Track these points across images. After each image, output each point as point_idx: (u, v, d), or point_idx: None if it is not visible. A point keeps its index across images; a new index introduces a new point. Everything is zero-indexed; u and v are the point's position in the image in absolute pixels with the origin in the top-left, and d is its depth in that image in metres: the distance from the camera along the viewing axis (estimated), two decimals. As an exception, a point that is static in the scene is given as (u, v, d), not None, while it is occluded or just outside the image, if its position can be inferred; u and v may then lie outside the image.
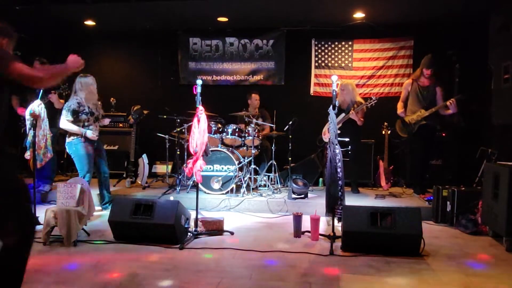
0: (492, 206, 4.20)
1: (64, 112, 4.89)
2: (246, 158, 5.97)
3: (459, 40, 6.46)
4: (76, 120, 4.91)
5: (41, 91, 4.65)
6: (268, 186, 6.10)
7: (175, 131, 6.25)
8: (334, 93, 4.26)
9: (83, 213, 4.00)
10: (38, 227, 4.15)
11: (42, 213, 4.06)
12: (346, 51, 7.19)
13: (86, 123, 4.96)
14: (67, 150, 5.04)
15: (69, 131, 4.94)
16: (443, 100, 5.56)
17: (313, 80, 7.32)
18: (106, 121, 5.39)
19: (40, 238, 3.93)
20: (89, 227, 4.32)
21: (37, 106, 4.48)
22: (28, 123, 4.48)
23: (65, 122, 4.87)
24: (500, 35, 5.78)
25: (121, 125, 7.19)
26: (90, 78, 5.00)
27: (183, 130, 6.21)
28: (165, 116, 6.26)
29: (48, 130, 4.66)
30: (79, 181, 4.27)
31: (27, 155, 4.58)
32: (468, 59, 6.18)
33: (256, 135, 5.91)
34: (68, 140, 4.97)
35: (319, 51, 7.28)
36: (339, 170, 4.17)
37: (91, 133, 4.94)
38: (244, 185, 5.71)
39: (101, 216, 4.97)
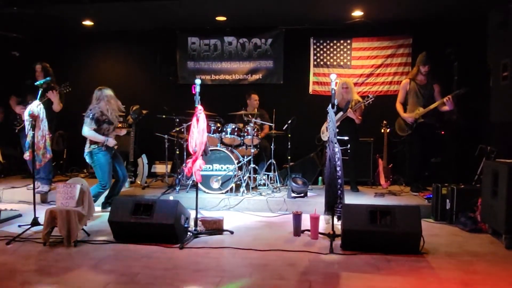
0: (491, 203, 4.21)
1: (88, 120, 4.91)
2: (245, 157, 5.98)
3: (457, 38, 6.45)
4: (98, 129, 4.94)
5: (40, 91, 4.63)
6: (268, 185, 6.10)
7: (174, 130, 6.25)
8: (333, 92, 4.27)
9: (83, 213, 4.01)
10: (38, 228, 4.18)
11: (42, 213, 4.06)
12: (345, 49, 7.19)
13: (106, 132, 5.01)
14: (87, 160, 5.06)
15: (90, 140, 4.96)
16: (440, 97, 5.58)
17: (311, 78, 7.32)
18: (123, 132, 5.44)
19: (40, 238, 3.94)
20: (89, 227, 4.32)
21: (36, 107, 4.47)
22: (27, 123, 4.47)
23: (89, 130, 4.89)
24: (498, 33, 5.79)
25: (120, 125, 7.15)
26: (109, 91, 5.11)
27: (182, 130, 6.21)
28: (164, 116, 6.26)
29: (47, 130, 4.65)
30: (78, 181, 4.27)
31: (26, 155, 4.58)
32: (467, 57, 6.17)
33: (255, 134, 5.91)
34: (88, 149, 4.99)
35: (318, 49, 7.28)
36: (338, 168, 4.17)
37: (112, 141, 5.01)
38: (244, 184, 5.72)
39: (100, 216, 4.97)
